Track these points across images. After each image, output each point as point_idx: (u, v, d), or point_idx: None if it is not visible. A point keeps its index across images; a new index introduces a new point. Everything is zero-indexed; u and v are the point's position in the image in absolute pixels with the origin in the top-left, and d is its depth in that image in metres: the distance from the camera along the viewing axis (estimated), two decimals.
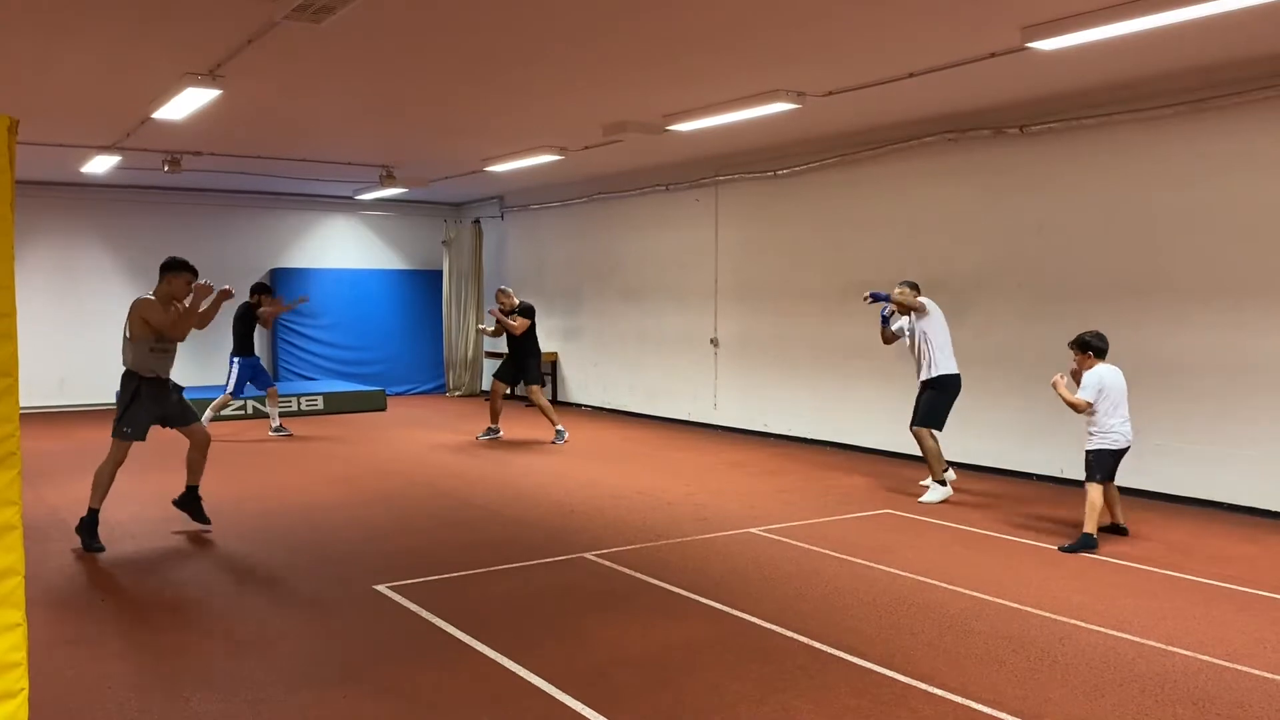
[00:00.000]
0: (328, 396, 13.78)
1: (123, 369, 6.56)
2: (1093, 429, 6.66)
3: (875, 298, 7.97)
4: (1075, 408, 6.74)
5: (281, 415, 12.55)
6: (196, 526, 6.95)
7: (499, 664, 4.38)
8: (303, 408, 13.46)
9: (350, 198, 15.75)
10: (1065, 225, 8.50)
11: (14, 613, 2.65)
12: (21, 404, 2.63)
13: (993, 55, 6.87)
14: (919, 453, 8.19)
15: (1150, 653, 4.52)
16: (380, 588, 5.54)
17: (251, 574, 5.89)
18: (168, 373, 6.66)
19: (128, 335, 6.51)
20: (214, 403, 11.40)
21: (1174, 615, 5.06)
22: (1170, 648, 4.58)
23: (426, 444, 11.01)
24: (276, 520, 7.24)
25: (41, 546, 6.33)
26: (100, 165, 11.91)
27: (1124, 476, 8.07)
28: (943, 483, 7.85)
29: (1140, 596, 5.38)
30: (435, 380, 16.80)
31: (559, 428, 10.98)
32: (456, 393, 16.44)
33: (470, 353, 16.45)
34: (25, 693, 2.70)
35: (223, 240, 15.25)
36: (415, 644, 4.67)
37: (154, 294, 6.65)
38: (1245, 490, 7.41)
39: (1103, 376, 6.68)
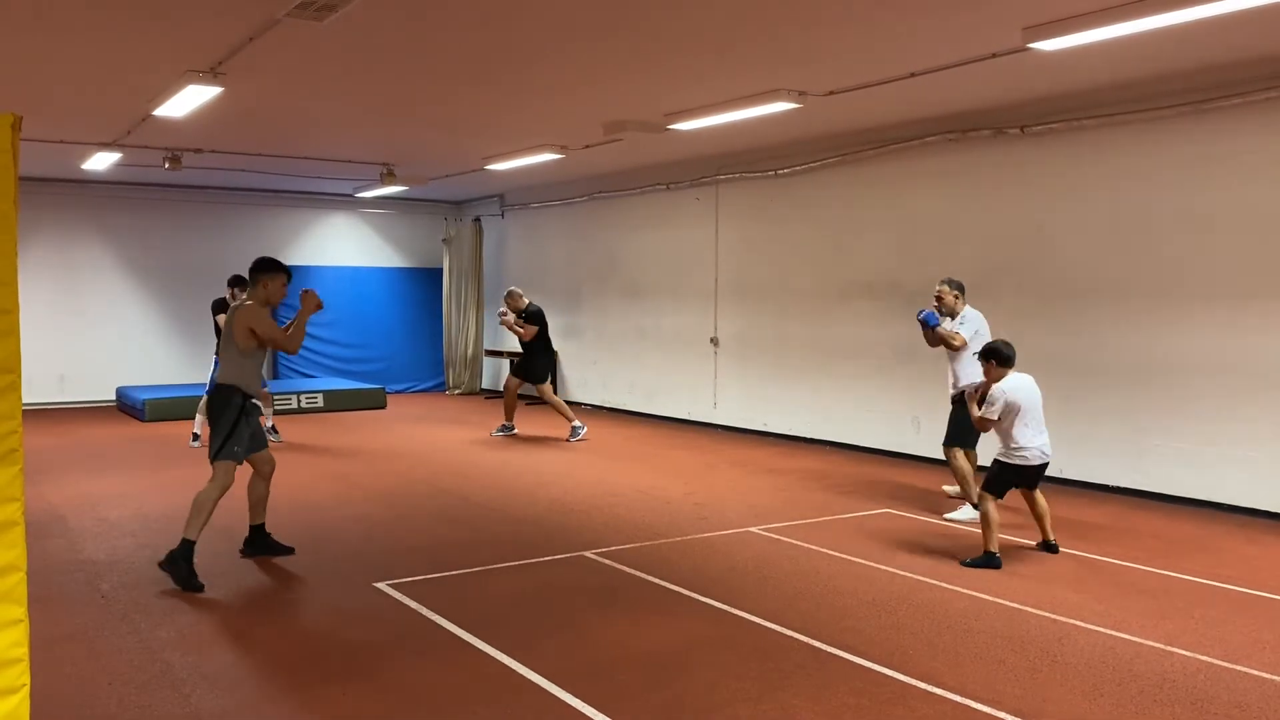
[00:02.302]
0: (328, 394, 13.78)
1: (218, 384, 5.96)
2: (1001, 442, 6.22)
3: (930, 321, 7.35)
4: (980, 425, 6.29)
5: (282, 413, 12.55)
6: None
7: (498, 661, 4.39)
8: (303, 405, 13.47)
9: (351, 195, 15.75)
10: (1065, 226, 8.50)
11: (16, 609, 2.66)
12: (23, 401, 2.64)
13: (994, 55, 6.87)
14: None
15: (1149, 653, 4.52)
16: (380, 585, 5.55)
17: (252, 571, 5.90)
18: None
19: (237, 349, 5.88)
20: (200, 405, 10.54)
21: (1173, 615, 5.07)
22: (1169, 648, 4.59)
23: (426, 442, 11.01)
24: (276, 518, 7.23)
25: (42, 543, 6.34)
26: (101, 162, 11.92)
27: (1124, 476, 8.11)
28: (976, 504, 7.12)
29: (1139, 596, 5.39)
30: (435, 378, 16.80)
31: (575, 424, 11.03)
32: (456, 391, 16.44)
33: (470, 351, 16.45)
34: (27, 688, 2.71)
35: (223, 238, 15.25)
36: (415, 641, 4.67)
37: (250, 300, 5.97)
38: (1244, 491, 7.41)
39: (1008, 389, 6.14)
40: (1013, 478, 6.23)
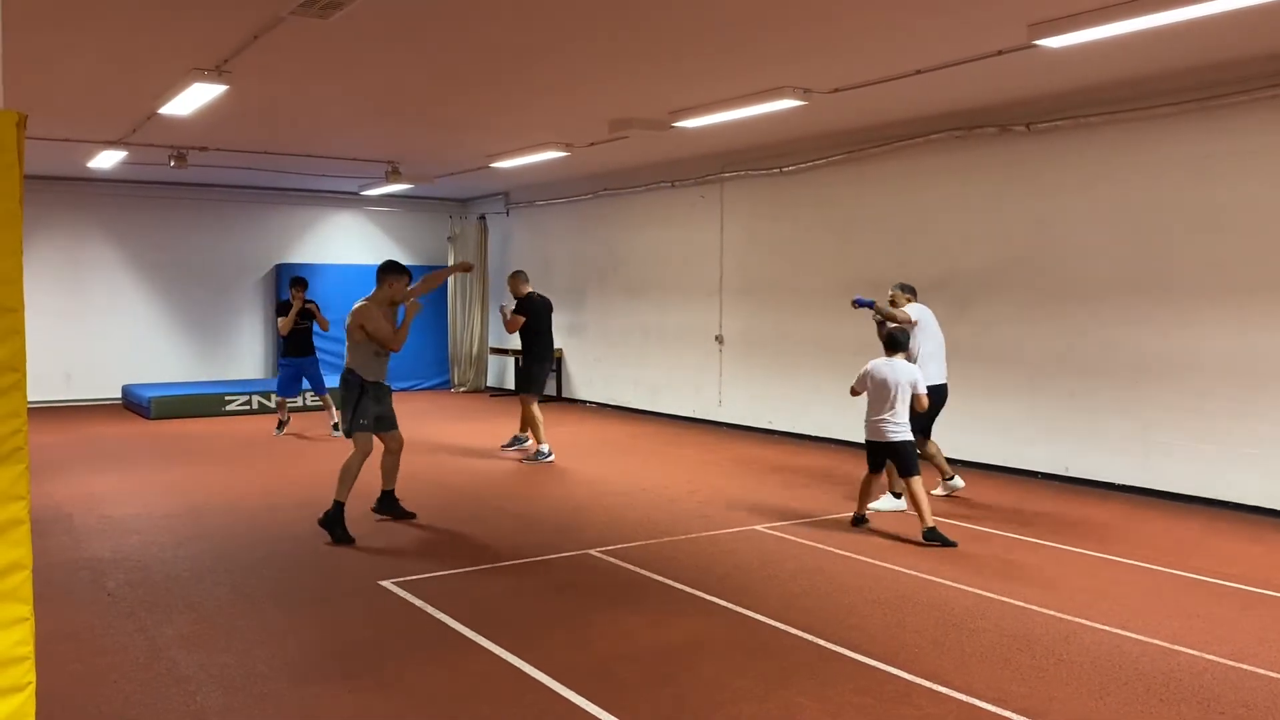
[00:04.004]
0: (333, 392, 13.75)
1: (345, 369, 6.80)
2: None
3: (859, 303, 7.77)
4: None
5: (288, 410, 12.55)
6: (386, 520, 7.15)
7: (503, 659, 4.39)
8: (308, 402, 13.48)
9: (356, 193, 15.75)
10: (1071, 223, 8.47)
11: (21, 607, 2.66)
12: (28, 398, 2.64)
13: (1000, 53, 6.85)
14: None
15: (1155, 651, 4.51)
16: (385, 583, 5.55)
17: (256, 569, 5.90)
18: (385, 377, 6.91)
19: (351, 340, 6.78)
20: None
21: (1179, 614, 5.05)
22: (1175, 647, 4.57)
23: (431, 440, 11.01)
24: (282, 515, 7.26)
25: (47, 541, 6.35)
26: (107, 160, 11.93)
27: (1130, 474, 8.09)
28: (898, 495, 7.41)
29: (1145, 595, 5.37)
30: (440, 376, 16.81)
31: (543, 448, 9.52)
32: (461, 389, 16.45)
33: (475, 349, 16.46)
34: (32, 686, 2.71)
35: (228, 236, 15.29)
36: (420, 639, 4.68)
37: (373, 300, 6.84)
38: (1251, 490, 7.38)
39: (871, 367, 6.94)
40: (868, 449, 6.92)
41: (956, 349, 9.31)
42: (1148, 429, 7.98)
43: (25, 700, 2.69)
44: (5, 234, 2.58)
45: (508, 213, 16.29)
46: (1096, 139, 8.25)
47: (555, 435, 11.11)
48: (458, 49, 6.95)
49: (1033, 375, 8.75)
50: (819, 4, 5.87)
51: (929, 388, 7.54)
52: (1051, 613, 5.05)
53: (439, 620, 4.92)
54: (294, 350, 11.13)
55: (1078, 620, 4.93)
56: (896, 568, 5.89)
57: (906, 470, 6.73)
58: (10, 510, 2.62)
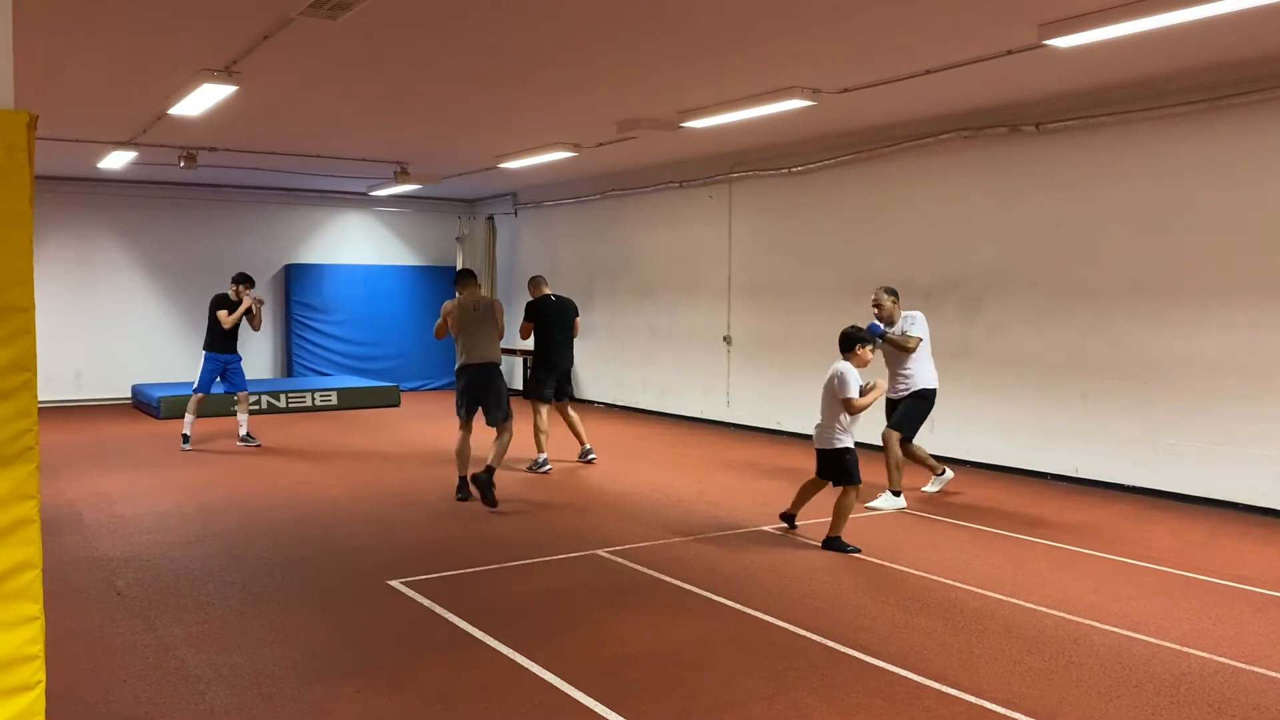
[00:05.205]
0: (341, 392, 13.82)
1: (491, 363, 7.84)
2: None
3: (874, 331, 7.39)
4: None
5: (296, 410, 12.57)
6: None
7: (511, 659, 4.39)
8: (317, 403, 13.52)
9: (364, 194, 15.78)
10: (1081, 223, 8.45)
11: (32, 606, 2.67)
12: (39, 398, 2.65)
13: (1009, 52, 6.83)
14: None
15: (1165, 654, 4.49)
16: (393, 583, 5.56)
17: (265, 569, 5.91)
18: None
19: (496, 333, 7.89)
20: (189, 404, 10.53)
21: (1189, 616, 5.03)
22: (1186, 649, 4.55)
23: (439, 440, 11.01)
24: (290, 515, 7.28)
25: (58, 540, 6.38)
26: (117, 161, 11.97)
27: (1139, 475, 8.07)
28: (897, 493, 7.58)
29: (1155, 597, 5.35)
30: (448, 376, 16.81)
31: (542, 457, 9.14)
32: None
33: None
34: (42, 685, 2.72)
35: (237, 236, 15.33)
36: (427, 639, 4.68)
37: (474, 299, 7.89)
38: (1261, 491, 7.35)
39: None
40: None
41: (966, 350, 9.31)
42: (1157, 430, 7.95)
43: (35, 699, 2.70)
44: (16, 234, 2.59)
45: (516, 213, 16.31)
46: (1106, 139, 8.22)
47: (562, 435, 11.11)
48: (466, 49, 6.95)
49: (1042, 376, 8.72)
50: (828, 4, 5.86)
51: (924, 391, 7.70)
52: (1061, 614, 5.03)
53: (447, 620, 4.93)
54: (225, 346, 10.52)
55: (1087, 622, 4.91)
56: (905, 569, 5.87)
57: (828, 477, 6.70)
58: (20, 509, 2.63)
